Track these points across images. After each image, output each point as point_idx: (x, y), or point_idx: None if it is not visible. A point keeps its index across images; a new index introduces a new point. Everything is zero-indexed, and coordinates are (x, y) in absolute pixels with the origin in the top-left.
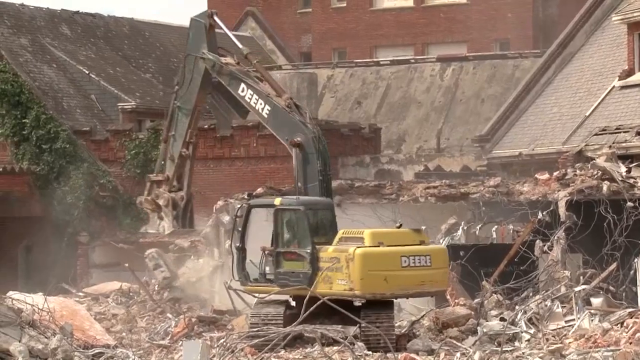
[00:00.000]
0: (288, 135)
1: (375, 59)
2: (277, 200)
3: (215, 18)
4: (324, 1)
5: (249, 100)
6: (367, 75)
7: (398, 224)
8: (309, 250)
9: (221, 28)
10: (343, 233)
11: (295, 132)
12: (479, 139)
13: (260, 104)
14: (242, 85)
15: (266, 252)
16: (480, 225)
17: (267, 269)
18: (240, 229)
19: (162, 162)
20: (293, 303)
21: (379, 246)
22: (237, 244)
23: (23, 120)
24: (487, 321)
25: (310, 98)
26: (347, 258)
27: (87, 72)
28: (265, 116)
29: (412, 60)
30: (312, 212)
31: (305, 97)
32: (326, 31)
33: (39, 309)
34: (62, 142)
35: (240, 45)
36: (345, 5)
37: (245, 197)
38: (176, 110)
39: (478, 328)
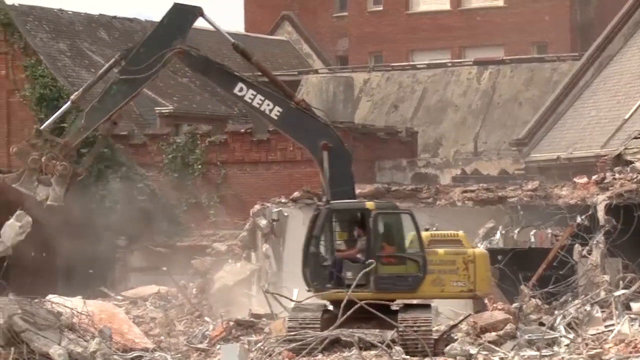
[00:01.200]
0: (310, 138)
1: (411, 63)
2: (370, 204)
3: (206, 15)
4: (360, 5)
5: (250, 101)
6: (403, 79)
7: (427, 228)
8: (420, 253)
9: (210, 24)
10: (431, 236)
11: (319, 135)
12: (517, 143)
13: (268, 105)
14: (240, 84)
15: (352, 256)
16: (518, 230)
17: (349, 274)
18: (316, 233)
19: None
20: (331, 307)
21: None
22: (312, 249)
23: (61, 125)
24: (525, 326)
25: (347, 102)
26: (465, 260)
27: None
28: (275, 118)
29: (449, 64)
30: (374, 218)
31: (342, 101)
32: (363, 35)
33: (78, 312)
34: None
35: (232, 40)
36: (381, 8)
37: (321, 202)
38: (114, 83)
39: (517, 333)
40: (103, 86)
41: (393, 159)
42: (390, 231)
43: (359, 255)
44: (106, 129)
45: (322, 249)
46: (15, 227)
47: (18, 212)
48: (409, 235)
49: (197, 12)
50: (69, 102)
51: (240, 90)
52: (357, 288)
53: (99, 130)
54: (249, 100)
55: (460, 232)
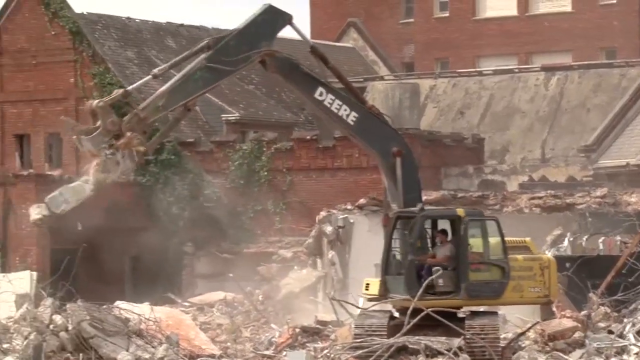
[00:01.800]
0: (382, 144)
1: (478, 69)
2: (461, 211)
3: (294, 23)
4: (426, 11)
5: (328, 106)
6: (470, 85)
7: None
8: (505, 260)
9: (296, 31)
10: (511, 243)
11: (391, 141)
12: (585, 149)
13: (345, 110)
14: (320, 88)
15: (444, 263)
16: (586, 237)
17: (441, 281)
18: (412, 241)
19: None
20: (396, 314)
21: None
22: (410, 257)
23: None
24: (594, 334)
25: (413, 108)
26: (541, 266)
27: None
28: (352, 123)
29: (516, 70)
30: (465, 226)
31: (408, 108)
32: (429, 41)
33: (146, 318)
34: (168, 153)
35: (311, 42)
36: (448, 15)
37: (417, 209)
38: (199, 69)
39: (585, 341)
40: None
41: (459, 165)
42: (478, 237)
43: (446, 262)
44: (180, 113)
45: (405, 257)
46: (83, 189)
47: (85, 177)
48: (494, 241)
49: (288, 19)
50: (149, 76)
51: (321, 94)
52: (447, 295)
53: (174, 113)
54: (328, 105)
55: (528, 239)
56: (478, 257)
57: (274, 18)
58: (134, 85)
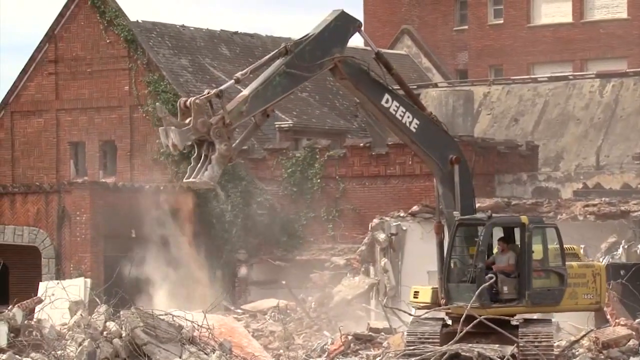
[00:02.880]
0: (440, 151)
1: (532, 76)
2: (525, 219)
3: (362, 31)
4: (480, 18)
5: (393, 113)
6: (524, 92)
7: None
8: (563, 267)
9: (364, 39)
10: (555, 250)
11: (450, 149)
12: None
13: (408, 117)
14: (386, 95)
15: (509, 270)
16: None
17: (506, 288)
18: (482, 248)
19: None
20: (449, 321)
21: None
22: (480, 265)
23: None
24: None
25: (466, 115)
26: (594, 272)
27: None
28: (414, 130)
29: (571, 77)
30: (529, 233)
31: (461, 115)
32: (482, 48)
33: (198, 325)
34: None
35: (376, 49)
36: (502, 22)
37: (486, 216)
38: (278, 74)
39: (639, 349)
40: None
41: (513, 172)
42: (543, 244)
43: (511, 270)
44: (259, 118)
45: (471, 264)
46: None
47: None
48: (553, 248)
49: (358, 25)
50: (232, 80)
51: (387, 101)
52: (511, 302)
53: (255, 118)
54: (393, 112)
55: (576, 246)
56: (539, 264)
57: (345, 24)
58: (224, 85)
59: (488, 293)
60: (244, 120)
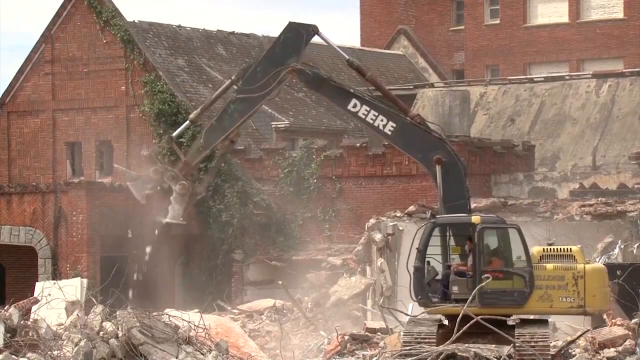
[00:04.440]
0: (423, 153)
1: (529, 76)
2: (476, 219)
3: (321, 32)
4: (477, 18)
5: (363, 117)
6: (520, 92)
7: (550, 242)
8: (527, 269)
9: (325, 41)
10: (543, 251)
11: (433, 149)
12: (636, 156)
13: (381, 120)
14: (353, 100)
15: (461, 271)
16: (637, 244)
17: (456, 288)
18: (420, 248)
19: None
20: (446, 322)
21: (589, 262)
22: (417, 264)
23: (179, 140)
24: None
25: (463, 115)
26: (575, 275)
27: None
28: (389, 133)
29: (567, 77)
30: (480, 233)
31: (458, 115)
32: (479, 48)
33: (195, 325)
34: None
35: (346, 57)
36: (498, 22)
37: (428, 216)
38: (232, 102)
39: (636, 349)
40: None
41: (509, 173)
42: (497, 245)
43: (466, 270)
44: (225, 147)
45: (431, 264)
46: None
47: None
48: (516, 249)
49: (312, 30)
50: (187, 122)
51: (354, 106)
52: (463, 303)
53: (218, 149)
54: (363, 116)
55: (575, 247)
56: (497, 265)
57: (297, 34)
58: (177, 131)
59: (441, 292)
60: (205, 154)
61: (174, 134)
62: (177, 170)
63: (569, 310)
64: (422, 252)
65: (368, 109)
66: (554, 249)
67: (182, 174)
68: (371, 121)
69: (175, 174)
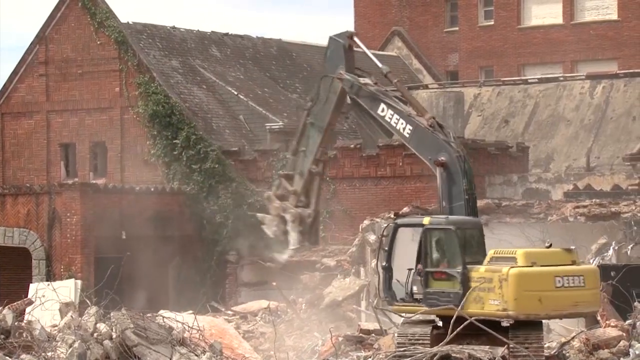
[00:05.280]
0: (431, 155)
1: (523, 77)
2: (426, 220)
3: (356, 39)
4: (471, 20)
5: (389, 120)
6: (514, 94)
7: (548, 244)
8: (459, 270)
9: (361, 48)
10: (494, 253)
11: (439, 152)
12: (630, 158)
13: (402, 123)
14: (382, 105)
15: (414, 271)
16: (632, 245)
17: (415, 288)
18: (386, 248)
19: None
20: (440, 323)
21: (532, 266)
22: (384, 263)
23: (174, 141)
24: (639, 343)
25: (457, 117)
26: (500, 278)
27: (235, 93)
28: (407, 136)
29: (561, 78)
30: (461, 232)
31: (452, 116)
32: (473, 49)
33: (189, 327)
34: (212, 162)
35: (380, 65)
36: (492, 23)
37: (392, 216)
38: (308, 126)
39: (630, 350)
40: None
41: (504, 174)
42: (441, 247)
43: (420, 270)
44: (319, 167)
45: (393, 264)
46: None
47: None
48: (456, 251)
49: (347, 36)
50: (292, 158)
51: (382, 110)
52: (415, 303)
53: (313, 170)
54: (388, 120)
55: (521, 251)
56: (440, 266)
57: (337, 45)
58: (285, 170)
59: (399, 292)
60: (306, 177)
61: (273, 187)
62: (289, 202)
63: (496, 314)
64: (387, 252)
65: (392, 113)
66: (502, 251)
67: (293, 203)
68: (394, 124)
69: (284, 206)
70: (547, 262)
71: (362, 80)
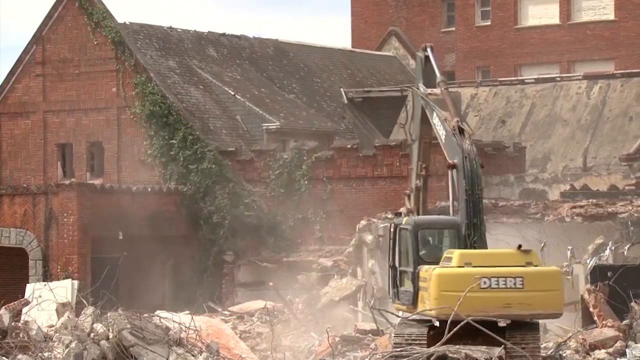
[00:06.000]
0: (449, 158)
1: (519, 77)
2: (404, 220)
3: (428, 50)
4: (468, 20)
5: (437, 128)
6: (511, 94)
7: (542, 244)
8: (411, 270)
9: (429, 58)
10: (447, 253)
11: (454, 155)
12: (627, 158)
13: (440, 130)
14: (434, 113)
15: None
16: (628, 246)
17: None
18: (389, 247)
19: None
20: (437, 323)
21: (463, 267)
22: (390, 263)
23: (171, 141)
24: (636, 343)
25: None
26: (427, 278)
27: (232, 93)
28: (442, 141)
29: (558, 78)
30: (425, 232)
31: None
32: (470, 50)
33: (186, 327)
34: (209, 162)
35: (437, 73)
36: (489, 23)
37: (389, 216)
38: (410, 143)
39: (627, 350)
40: None
41: (500, 174)
42: (404, 246)
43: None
44: (420, 182)
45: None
46: None
47: None
48: (411, 251)
49: (423, 48)
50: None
51: (434, 117)
52: (399, 301)
53: (417, 185)
54: (437, 127)
55: (458, 251)
56: (404, 265)
57: (418, 59)
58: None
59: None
60: (414, 193)
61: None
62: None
63: (426, 313)
64: (391, 252)
65: (437, 120)
66: (451, 251)
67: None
68: (438, 131)
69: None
70: (488, 263)
71: (429, 90)
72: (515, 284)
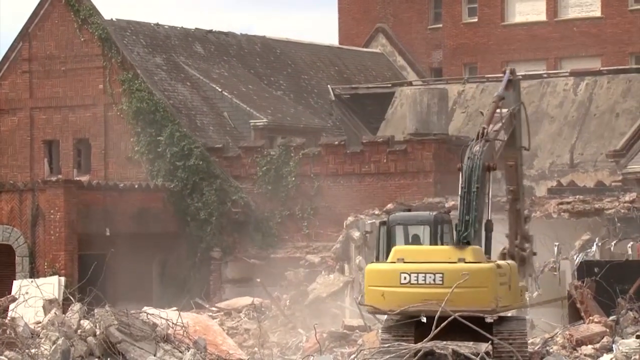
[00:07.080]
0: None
1: None
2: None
3: (507, 71)
4: (455, 16)
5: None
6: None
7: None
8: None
9: (510, 79)
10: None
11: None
12: (614, 154)
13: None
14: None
15: None
16: (615, 242)
17: None
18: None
19: None
20: (424, 319)
21: (395, 262)
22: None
23: (158, 138)
24: (622, 339)
25: (441, 114)
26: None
27: (219, 89)
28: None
29: (545, 75)
30: (393, 228)
31: (436, 113)
32: (457, 46)
33: (173, 323)
34: (196, 159)
35: (500, 90)
36: (476, 20)
37: (376, 213)
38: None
39: (613, 346)
40: None
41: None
42: (381, 243)
43: None
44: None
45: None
46: None
47: None
48: (374, 246)
49: (502, 71)
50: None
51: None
52: None
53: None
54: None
55: (396, 247)
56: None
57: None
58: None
59: None
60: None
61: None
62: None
63: (363, 307)
64: (385, 249)
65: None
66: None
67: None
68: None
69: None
70: (419, 259)
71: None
72: (434, 280)
